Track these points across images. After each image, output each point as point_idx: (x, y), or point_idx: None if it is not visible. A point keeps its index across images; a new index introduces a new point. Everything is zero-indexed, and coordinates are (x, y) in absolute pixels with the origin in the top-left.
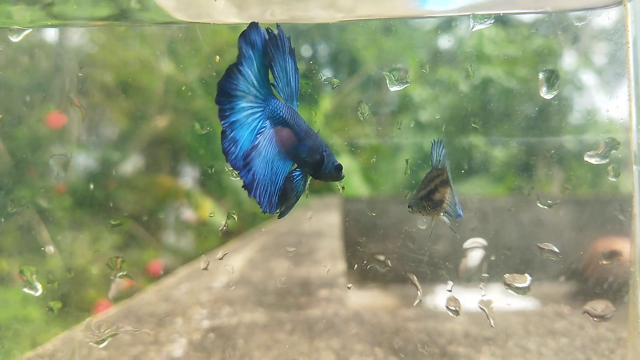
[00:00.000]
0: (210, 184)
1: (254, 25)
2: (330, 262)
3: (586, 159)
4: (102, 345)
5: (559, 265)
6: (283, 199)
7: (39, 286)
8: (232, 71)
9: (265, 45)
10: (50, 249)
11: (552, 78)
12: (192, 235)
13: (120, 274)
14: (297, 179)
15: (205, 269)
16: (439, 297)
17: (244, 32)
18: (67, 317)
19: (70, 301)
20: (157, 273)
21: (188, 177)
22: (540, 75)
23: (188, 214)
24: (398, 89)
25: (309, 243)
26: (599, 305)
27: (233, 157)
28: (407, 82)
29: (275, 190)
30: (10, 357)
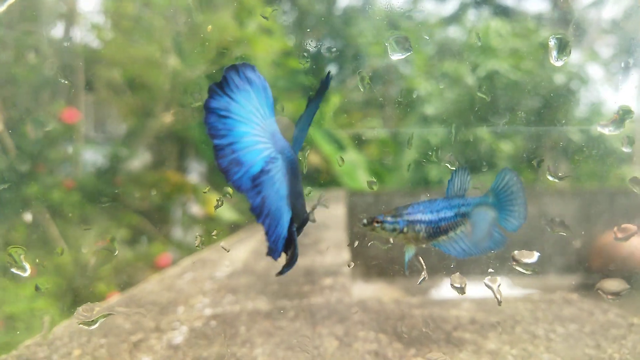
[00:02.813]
0: (217, 179)
1: (248, 66)
2: (334, 251)
3: (599, 129)
4: (92, 327)
5: (568, 252)
6: (287, 250)
7: (28, 266)
8: (214, 90)
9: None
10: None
11: (562, 44)
12: (200, 230)
13: (106, 247)
14: (295, 235)
15: (198, 247)
16: (444, 278)
17: (234, 65)
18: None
19: (79, 294)
20: (165, 266)
21: (195, 172)
22: (551, 41)
23: (195, 209)
24: (400, 57)
25: (315, 234)
26: (612, 284)
27: (236, 177)
28: (410, 50)
29: (280, 237)
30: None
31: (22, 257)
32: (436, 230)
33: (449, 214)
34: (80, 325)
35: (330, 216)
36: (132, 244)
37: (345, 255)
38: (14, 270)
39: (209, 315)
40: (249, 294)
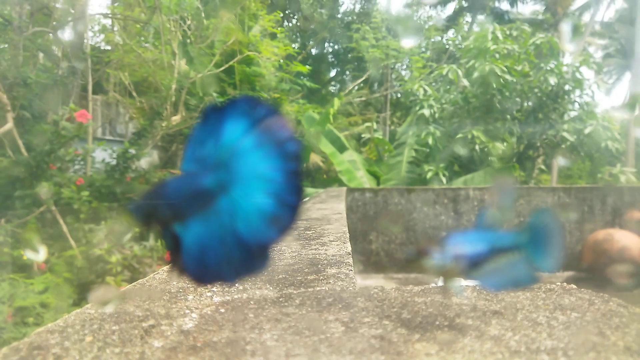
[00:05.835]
0: None
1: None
2: (337, 244)
3: None
4: (107, 308)
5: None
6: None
7: (43, 250)
8: None
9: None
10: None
11: (575, 28)
12: None
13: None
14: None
15: None
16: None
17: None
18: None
19: (89, 289)
20: None
21: None
22: (565, 26)
23: None
24: None
25: (318, 228)
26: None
27: None
28: None
29: None
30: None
31: (36, 240)
32: (470, 264)
33: (482, 247)
34: (95, 307)
35: (333, 212)
36: (141, 240)
37: (348, 248)
38: (28, 253)
39: (218, 303)
40: (256, 283)
